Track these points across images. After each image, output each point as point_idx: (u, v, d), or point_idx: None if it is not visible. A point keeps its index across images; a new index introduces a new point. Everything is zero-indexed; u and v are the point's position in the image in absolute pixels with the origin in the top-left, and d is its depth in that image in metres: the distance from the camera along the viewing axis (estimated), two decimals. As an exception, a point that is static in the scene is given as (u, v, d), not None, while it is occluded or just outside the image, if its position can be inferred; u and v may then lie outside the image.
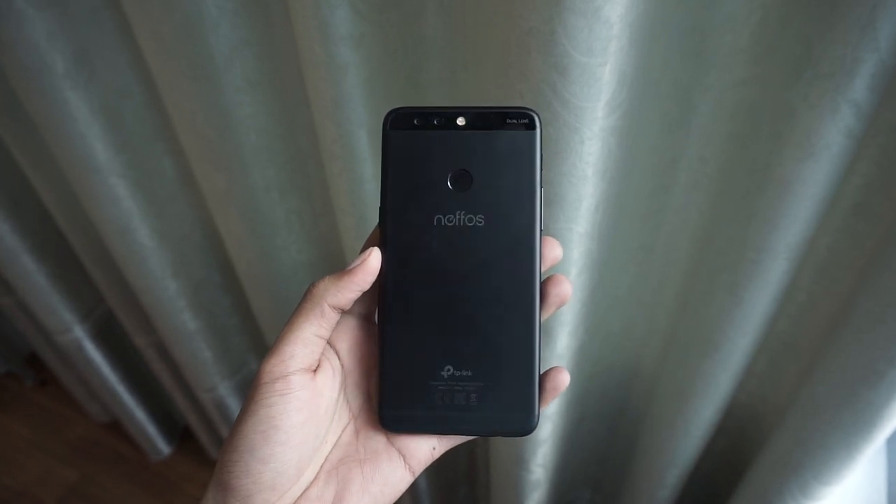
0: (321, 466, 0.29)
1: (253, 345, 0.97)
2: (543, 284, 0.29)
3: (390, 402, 0.29)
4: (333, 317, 0.28)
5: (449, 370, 0.29)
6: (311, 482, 0.29)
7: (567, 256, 0.47)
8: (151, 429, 1.24)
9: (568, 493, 0.88)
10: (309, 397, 0.28)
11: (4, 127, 0.72)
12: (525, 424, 0.29)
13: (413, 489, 0.95)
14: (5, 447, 1.35)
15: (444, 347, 0.29)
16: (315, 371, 0.28)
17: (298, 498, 0.28)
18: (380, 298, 0.30)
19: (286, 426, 0.27)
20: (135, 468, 1.31)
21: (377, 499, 0.29)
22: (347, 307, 0.28)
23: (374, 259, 0.28)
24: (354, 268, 0.28)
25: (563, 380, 0.29)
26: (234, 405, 1.01)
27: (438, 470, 0.94)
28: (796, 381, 0.57)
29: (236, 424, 0.27)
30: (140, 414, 1.20)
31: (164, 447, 1.29)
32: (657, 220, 0.54)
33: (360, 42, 0.44)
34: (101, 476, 1.30)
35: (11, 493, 1.27)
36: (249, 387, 0.28)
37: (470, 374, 0.29)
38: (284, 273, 0.72)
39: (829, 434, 0.48)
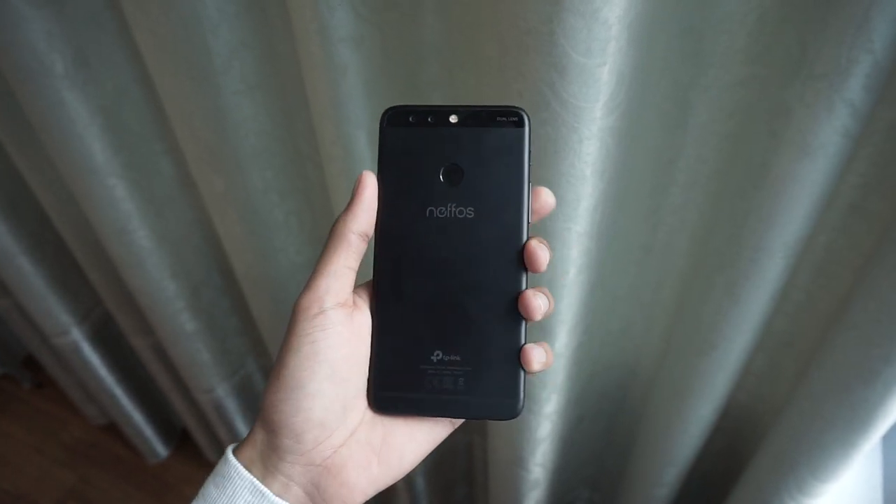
0: (365, 410, 0.30)
1: (252, 346, 0.97)
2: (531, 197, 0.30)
3: (381, 385, 0.30)
4: (359, 244, 0.29)
5: (438, 355, 0.30)
6: (358, 425, 0.29)
7: (566, 256, 0.47)
8: (149, 431, 1.24)
9: (567, 493, 0.88)
10: (348, 335, 0.29)
11: (2, 128, 0.72)
12: (510, 409, 0.30)
13: (411, 489, 0.95)
14: (2, 450, 1.34)
15: (434, 333, 0.30)
16: (352, 310, 0.29)
17: (347, 439, 0.29)
18: (374, 285, 0.31)
19: (331, 360, 0.28)
20: (132, 470, 1.31)
21: (421, 446, 0.30)
22: (370, 233, 0.30)
23: (367, 177, 0.29)
24: (357, 193, 0.29)
25: (534, 357, 0.29)
26: (232, 406, 1.01)
27: (437, 470, 0.94)
28: (793, 380, 0.57)
29: (279, 366, 0.28)
30: (137, 416, 1.20)
31: (161, 450, 1.29)
32: (655, 219, 0.55)
33: (359, 44, 0.44)
34: (98, 478, 1.30)
35: (9, 497, 1.27)
36: (288, 326, 0.28)
37: (458, 358, 0.30)
38: (283, 275, 0.73)
39: (825, 431, 0.48)
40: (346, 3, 0.42)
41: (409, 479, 0.93)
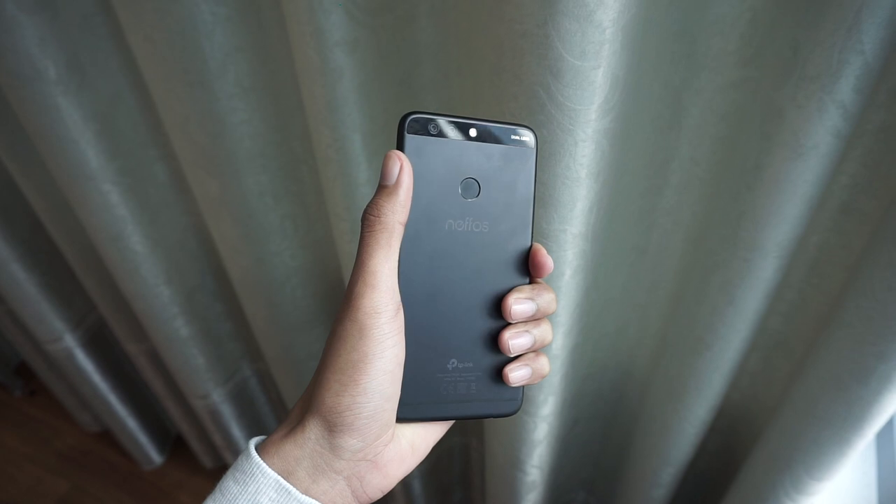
0: None
1: (246, 351, 0.97)
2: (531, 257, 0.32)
3: (403, 395, 0.30)
4: (402, 233, 0.29)
5: (454, 363, 0.31)
6: None
7: (561, 258, 0.47)
8: (143, 437, 1.23)
9: (563, 495, 0.88)
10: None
11: (-6, 134, 0.72)
12: (511, 407, 0.32)
13: (408, 493, 0.95)
14: (-6, 459, 1.33)
15: (451, 343, 0.31)
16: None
17: (394, 434, 0.30)
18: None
19: (402, 361, 0.29)
20: (126, 477, 1.30)
21: (439, 432, 0.33)
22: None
23: (406, 162, 0.28)
24: (399, 180, 0.28)
25: (514, 377, 0.31)
26: (227, 412, 1.00)
27: (433, 473, 0.94)
28: (788, 379, 0.57)
29: (355, 372, 0.27)
30: (132, 423, 1.19)
31: (155, 456, 1.28)
32: (649, 220, 0.55)
33: (354, 47, 0.44)
34: (91, 486, 1.29)
35: (1, 505, 1.26)
36: (352, 325, 0.27)
37: (471, 365, 0.31)
38: (278, 279, 0.72)
39: (821, 429, 0.49)
40: (342, 6, 0.42)
41: (406, 483, 0.93)
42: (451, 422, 0.33)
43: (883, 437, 0.64)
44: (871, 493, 0.60)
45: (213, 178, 0.62)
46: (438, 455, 0.91)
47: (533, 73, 0.37)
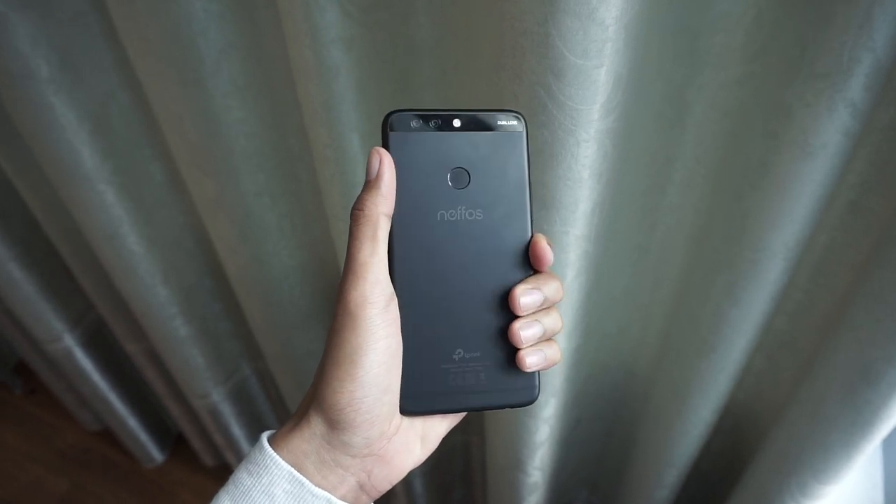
0: None
1: (245, 349, 0.96)
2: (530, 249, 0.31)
3: (408, 389, 0.30)
4: (388, 226, 0.29)
5: (460, 353, 0.31)
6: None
7: (564, 259, 0.46)
8: (144, 436, 1.23)
9: (565, 496, 0.87)
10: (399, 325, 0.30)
11: (-12, 134, 0.71)
12: (528, 396, 0.32)
13: (409, 492, 0.94)
14: (-5, 457, 1.33)
15: (455, 333, 0.31)
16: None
17: (399, 427, 0.30)
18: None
19: (399, 353, 0.29)
20: (127, 475, 1.30)
21: (450, 420, 0.33)
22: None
23: (386, 156, 0.29)
24: (380, 173, 0.29)
25: (529, 362, 0.30)
26: (227, 411, 1.00)
27: (435, 472, 0.93)
28: (794, 380, 0.57)
29: (351, 366, 0.27)
30: (132, 421, 1.19)
31: (156, 454, 1.28)
32: (653, 220, 0.54)
33: (350, 44, 0.43)
34: (92, 484, 1.29)
35: (2, 504, 1.26)
36: (345, 316, 0.28)
37: (479, 354, 0.31)
38: (276, 278, 0.72)
39: (829, 433, 0.48)
40: (337, 3, 0.41)
41: (407, 482, 0.92)
42: (462, 413, 0.33)
43: (889, 440, 0.63)
44: (878, 494, 0.59)
45: (210, 177, 0.61)
46: (440, 453, 0.91)
47: (533, 73, 0.36)
